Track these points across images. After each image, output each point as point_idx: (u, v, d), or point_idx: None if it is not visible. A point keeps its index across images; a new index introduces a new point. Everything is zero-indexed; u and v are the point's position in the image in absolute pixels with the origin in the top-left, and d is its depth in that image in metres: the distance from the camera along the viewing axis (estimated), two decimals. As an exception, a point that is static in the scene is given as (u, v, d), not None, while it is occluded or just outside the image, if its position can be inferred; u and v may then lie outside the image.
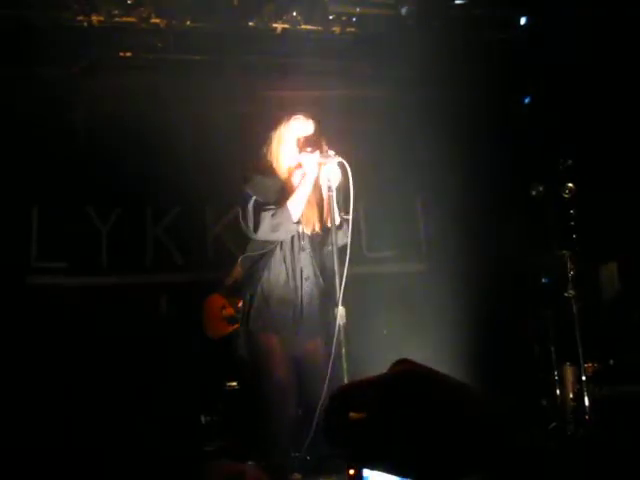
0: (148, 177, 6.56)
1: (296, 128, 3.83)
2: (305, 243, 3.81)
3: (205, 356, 6.03)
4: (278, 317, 3.70)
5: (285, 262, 3.74)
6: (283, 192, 3.76)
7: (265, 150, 3.89)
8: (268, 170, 3.84)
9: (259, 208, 3.66)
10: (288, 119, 3.86)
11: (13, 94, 6.17)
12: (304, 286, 3.76)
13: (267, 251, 3.75)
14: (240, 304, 5.73)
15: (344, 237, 3.64)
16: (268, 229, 3.63)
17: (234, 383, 6.04)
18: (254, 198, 3.68)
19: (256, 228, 3.63)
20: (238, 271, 5.94)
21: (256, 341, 3.73)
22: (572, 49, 6.20)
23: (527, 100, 6.91)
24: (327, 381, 3.37)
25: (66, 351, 6.01)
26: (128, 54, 6.57)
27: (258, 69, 6.70)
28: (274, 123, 3.91)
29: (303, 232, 3.82)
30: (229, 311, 5.75)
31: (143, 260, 6.87)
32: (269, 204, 3.69)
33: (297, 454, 3.76)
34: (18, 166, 6.31)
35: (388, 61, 6.73)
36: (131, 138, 6.43)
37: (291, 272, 3.74)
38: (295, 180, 3.80)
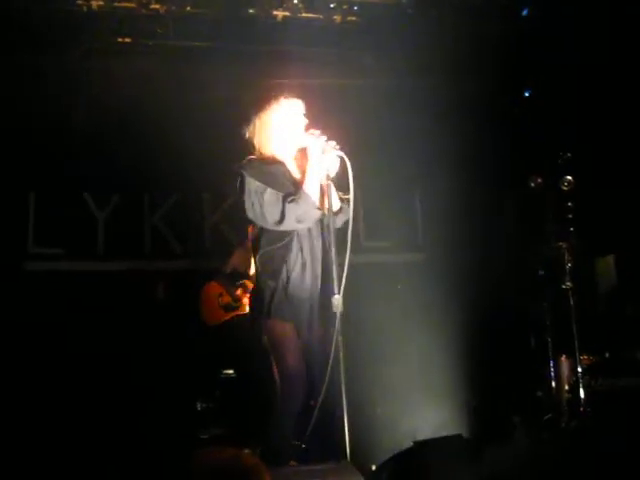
0: (146, 164, 6.54)
1: (290, 109, 3.74)
2: (318, 230, 3.75)
3: (201, 343, 6.03)
4: (298, 308, 3.66)
5: (302, 252, 3.67)
6: (287, 177, 3.70)
7: (257, 134, 3.76)
8: (264, 155, 3.75)
9: (276, 198, 3.58)
10: (278, 100, 3.75)
11: (11, 79, 6.13)
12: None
13: (285, 243, 3.67)
14: (238, 292, 5.77)
15: (345, 216, 3.62)
16: (294, 219, 3.56)
17: (230, 371, 6.05)
18: (269, 189, 3.60)
19: (282, 219, 3.54)
20: (236, 259, 5.96)
21: (272, 328, 3.71)
22: (573, 42, 6.19)
23: (527, 92, 6.89)
24: (328, 369, 3.38)
25: (62, 336, 6.01)
26: (127, 40, 6.53)
27: (258, 57, 6.66)
28: (261, 107, 3.78)
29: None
30: (226, 299, 5.76)
31: (141, 247, 6.86)
32: (281, 192, 3.60)
33: (296, 442, 3.77)
34: (15, 152, 6.28)
35: (388, 50, 6.71)
36: (129, 124, 6.41)
37: (310, 262, 3.69)
38: (298, 163, 3.76)
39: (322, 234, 3.75)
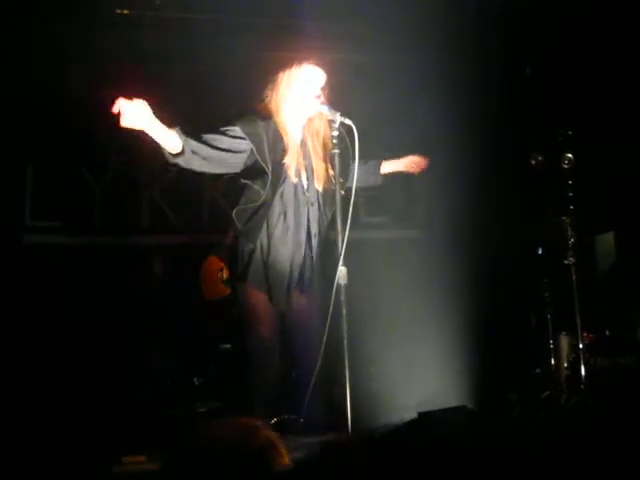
0: (144, 138, 6.48)
1: (309, 74, 3.67)
2: (313, 197, 3.70)
3: (199, 317, 6.03)
4: (276, 274, 3.63)
5: (286, 216, 3.63)
6: (278, 142, 3.63)
7: (268, 91, 3.72)
8: (262, 111, 3.68)
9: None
10: (300, 63, 3.69)
11: (9, 51, 6.06)
12: (312, 243, 3.70)
13: (262, 203, 3.60)
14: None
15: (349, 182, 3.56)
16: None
17: (228, 345, 6.05)
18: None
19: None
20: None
21: (247, 295, 3.67)
22: (575, 20, 6.15)
23: (529, 69, 6.84)
24: (324, 342, 3.35)
25: (60, 310, 5.99)
26: (125, 11, 6.46)
27: (257, 29, 6.59)
28: (283, 65, 3.73)
29: (309, 185, 3.71)
30: (227, 273, 5.74)
31: (139, 221, 6.83)
32: (263, 157, 3.57)
33: (292, 416, 3.77)
34: (13, 125, 6.23)
35: (387, 25, 6.64)
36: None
37: (293, 227, 3.64)
38: (298, 130, 3.72)
39: (319, 203, 3.72)
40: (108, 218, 6.73)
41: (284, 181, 3.64)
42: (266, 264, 3.62)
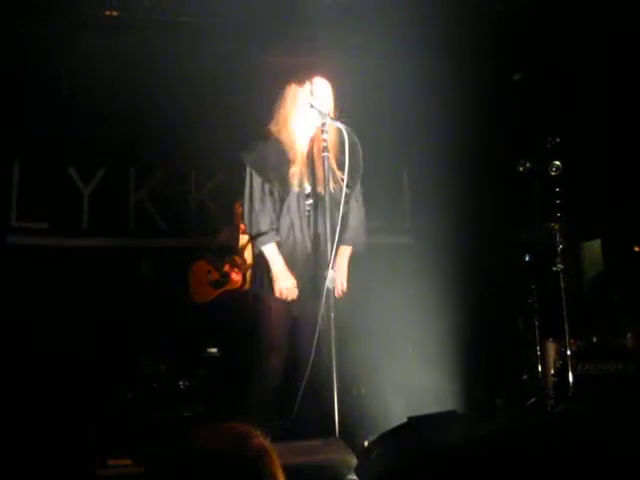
0: (133, 140, 6.47)
1: (316, 88, 3.71)
2: (314, 203, 3.75)
3: (186, 321, 6.00)
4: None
5: (294, 228, 3.71)
6: (283, 159, 3.71)
7: (277, 107, 3.78)
8: (272, 135, 3.75)
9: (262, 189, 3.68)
10: (306, 76, 3.73)
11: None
12: (320, 247, 3.73)
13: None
14: (226, 267, 5.74)
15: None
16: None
17: (214, 349, 6.03)
18: (261, 181, 3.69)
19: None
20: (224, 236, 5.93)
21: (262, 299, 3.77)
22: (562, 27, 6.19)
23: (517, 76, 6.87)
24: (314, 344, 3.38)
25: (45, 312, 5.94)
26: (114, 13, 6.44)
27: (248, 32, 6.58)
28: (288, 76, 3.80)
29: (312, 191, 3.75)
30: (215, 275, 5.72)
31: (126, 223, 6.79)
32: (267, 179, 3.68)
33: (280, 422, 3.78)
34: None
35: (377, 31, 6.65)
36: (116, 98, 6.33)
37: (300, 239, 3.72)
38: (305, 142, 3.76)
39: (314, 209, 3.74)
40: (95, 220, 6.69)
41: (289, 192, 3.71)
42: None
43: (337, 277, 3.63)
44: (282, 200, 3.71)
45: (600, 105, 6.04)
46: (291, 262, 3.70)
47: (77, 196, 6.69)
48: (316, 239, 3.70)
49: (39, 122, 6.29)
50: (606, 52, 5.96)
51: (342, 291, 3.76)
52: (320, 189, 3.71)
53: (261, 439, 1.54)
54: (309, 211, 3.74)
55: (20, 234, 6.45)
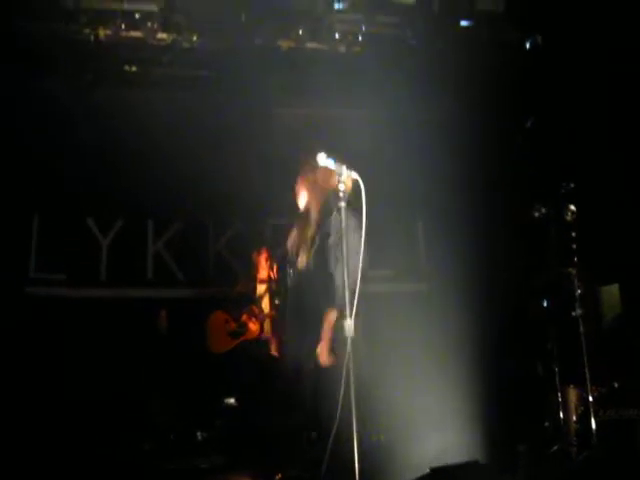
0: (150, 191, 6.54)
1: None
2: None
3: (203, 372, 5.99)
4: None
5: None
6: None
7: (308, 194, 4.07)
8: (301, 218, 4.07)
9: None
10: (331, 174, 3.68)
11: (18, 105, 6.16)
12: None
13: None
14: (243, 317, 5.75)
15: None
16: None
17: (232, 400, 6.00)
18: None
19: None
20: (242, 287, 5.93)
21: None
22: (575, 73, 6.25)
23: (530, 122, 6.93)
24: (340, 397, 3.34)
25: (64, 363, 5.96)
26: (133, 68, 6.59)
27: (262, 86, 6.70)
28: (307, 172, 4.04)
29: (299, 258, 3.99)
30: (232, 325, 5.71)
31: (144, 274, 6.83)
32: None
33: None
34: (19, 177, 6.29)
35: (390, 81, 6.75)
36: (134, 152, 6.43)
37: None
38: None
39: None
40: (113, 271, 6.73)
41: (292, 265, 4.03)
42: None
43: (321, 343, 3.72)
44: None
45: (615, 149, 6.06)
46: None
47: (96, 247, 6.75)
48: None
49: (58, 175, 6.39)
50: (617, 95, 6.01)
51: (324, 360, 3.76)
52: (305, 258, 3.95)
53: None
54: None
55: (39, 285, 6.50)
